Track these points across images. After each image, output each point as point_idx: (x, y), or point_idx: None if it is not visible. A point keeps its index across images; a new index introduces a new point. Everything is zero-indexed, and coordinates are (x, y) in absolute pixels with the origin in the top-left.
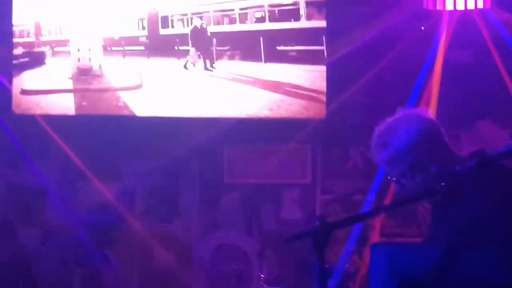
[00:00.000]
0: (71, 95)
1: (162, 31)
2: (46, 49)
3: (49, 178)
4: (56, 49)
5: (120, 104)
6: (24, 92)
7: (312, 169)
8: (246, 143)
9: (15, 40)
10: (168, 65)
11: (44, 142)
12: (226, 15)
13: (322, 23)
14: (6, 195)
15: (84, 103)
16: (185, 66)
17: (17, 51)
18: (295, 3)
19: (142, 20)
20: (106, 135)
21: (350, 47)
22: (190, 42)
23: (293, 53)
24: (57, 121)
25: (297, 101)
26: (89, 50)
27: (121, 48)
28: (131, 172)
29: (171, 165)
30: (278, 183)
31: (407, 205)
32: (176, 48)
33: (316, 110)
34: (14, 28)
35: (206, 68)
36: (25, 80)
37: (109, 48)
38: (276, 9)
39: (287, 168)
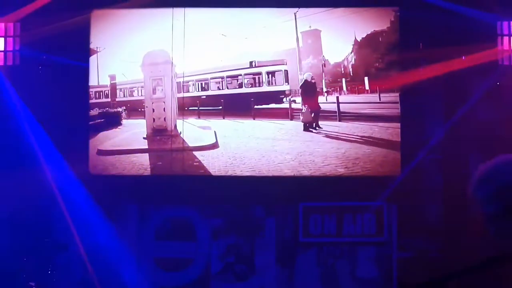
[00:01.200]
0: (146, 155)
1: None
2: (121, 109)
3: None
4: (131, 110)
5: (195, 163)
6: (100, 152)
7: (387, 226)
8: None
9: (91, 101)
10: (243, 125)
11: (120, 202)
12: None
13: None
14: None
15: (160, 163)
16: (306, 129)
17: (93, 112)
18: None
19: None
20: (181, 194)
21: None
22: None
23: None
24: (133, 180)
25: (372, 158)
26: (164, 110)
27: (196, 108)
28: (207, 232)
29: (247, 224)
30: (354, 241)
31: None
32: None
33: (391, 167)
34: (91, 90)
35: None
36: (101, 140)
37: (185, 108)
38: None
39: (363, 225)
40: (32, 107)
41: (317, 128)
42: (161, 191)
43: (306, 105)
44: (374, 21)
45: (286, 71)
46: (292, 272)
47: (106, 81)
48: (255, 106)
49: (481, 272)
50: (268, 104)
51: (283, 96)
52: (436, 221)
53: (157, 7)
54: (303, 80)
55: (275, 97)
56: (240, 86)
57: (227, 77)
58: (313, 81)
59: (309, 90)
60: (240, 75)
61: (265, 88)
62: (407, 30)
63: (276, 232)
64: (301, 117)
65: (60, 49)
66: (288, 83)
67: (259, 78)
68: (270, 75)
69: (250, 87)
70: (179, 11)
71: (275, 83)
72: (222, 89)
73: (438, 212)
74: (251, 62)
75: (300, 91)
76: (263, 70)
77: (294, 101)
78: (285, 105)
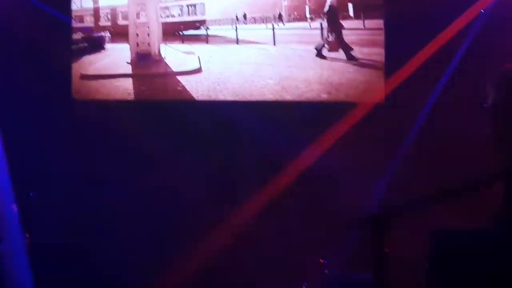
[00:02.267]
0: (130, 80)
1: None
2: (104, 34)
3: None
4: (115, 34)
5: (179, 88)
6: (83, 77)
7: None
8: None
9: (74, 25)
10: (227, 50)
11: (103, 128)
12: None
13: None
14: None
15: (143, 88)
16: (319, 54)
17: (76, 36)
18: None
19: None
20: (165, 121)
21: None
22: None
23: None
24: (117, 106)
25: (355, 84)
26: (148, 35)
27: (180, 33)
28: (189, 159)
29: (230, 151)
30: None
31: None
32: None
33: (375, 94)
34: (73, 14)
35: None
36: (84, 65)
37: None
38: None
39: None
40: (12, 31)
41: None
42: (145, 117)
43: (333, 33)
44: None
45: (203, 4)
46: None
47: (89, 4)
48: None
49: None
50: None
51: (199, 24)
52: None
53: None
54: (328, 6)
55: (193, 25)
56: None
57: (173, 6)
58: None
59: (334, 16)
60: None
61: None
62: None
63: (257, 159)
64: (326, 46)
65: None
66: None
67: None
68: (191, 7)
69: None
70: None
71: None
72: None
73: None
74: None
75: (326, 17)
76: (184, 3)
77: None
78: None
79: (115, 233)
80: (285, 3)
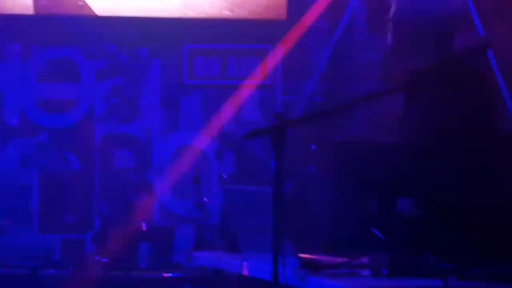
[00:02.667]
0: None
1: None
2: None
3: (6, 78)
4: None
5: (80, 3)
6: None
7: (273, 70)
8: (206, 43)
9: None
10: None
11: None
12: None
13: None
14: None
15: (43, 2)
16: None
17: None
18: None
19: None
20: (65, 35)
21: None
22: None
23: None
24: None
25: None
26: None
27: None
28: (91, 73)
29: (132, 66)
30: (239, 84)
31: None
32: None
33: (277, 11)
34: None
35: None
36: None
37: None
38: None
39: (248, 69)
40: None
41: None
42: (45, 31)
43: None
44: None
45: None
46: (177, 114)
47: None
48: None
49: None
50: None
51: None
52: (322, 65)
53: None
54: None
55: None
56: None
57: None
58: None
59: None
60: None
61: None
62: None
63: (161, 74)
64: None
65: None
66: None
67: None
68: None
69: None
70: None
71: None
72: None
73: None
74: None
75: None
76: None
77: None
78: None
79: None
80: None
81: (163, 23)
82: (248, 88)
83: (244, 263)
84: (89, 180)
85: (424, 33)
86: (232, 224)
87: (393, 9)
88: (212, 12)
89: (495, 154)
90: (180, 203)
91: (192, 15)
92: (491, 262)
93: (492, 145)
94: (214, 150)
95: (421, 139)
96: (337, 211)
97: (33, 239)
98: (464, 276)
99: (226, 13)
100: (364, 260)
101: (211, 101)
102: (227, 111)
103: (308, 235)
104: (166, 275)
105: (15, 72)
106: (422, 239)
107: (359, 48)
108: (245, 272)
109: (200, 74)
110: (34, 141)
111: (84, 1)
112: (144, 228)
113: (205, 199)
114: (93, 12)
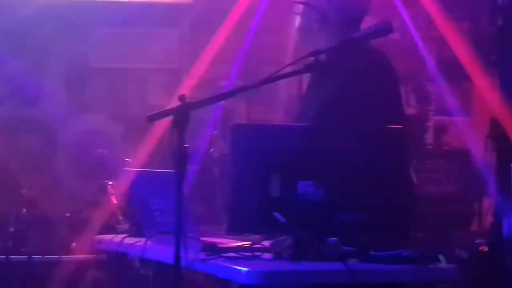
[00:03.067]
0: None
1: None
2: None
3: None
4: None
5: None
6: None
7: (179, 54)
8: (111, 26)
9: None
10: None
11: None
12: None
13: None
14: None
15: None
16: None
17: None
18: None
19: None
20: None
21: None
22: None
23: None
24: None
25: None
26: None
27: None
28: None
29: (35, 48)
30: (145, 67)
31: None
32: None
33: None
34: None
35: None
36: None
37: None
38: None
39: (154, 53)
40: None
41: None
42: None
43: None
44: None
45: None
46: (82, 97)
47: None
48: None
49: None
50: None
51: None
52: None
53: None
54: None
55: None
56: None
57: None
58: None
59: None
60: None
61: None
62: None
63: (65, 57)
64: None
65: None
66: None
67: None
68: None
69: None
70: None
71: None
72: None
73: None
74: None
75: None
76: None
77: None
78: None
79: None
80: None
81: (68, 5)
82: (154, 72)
83: (147, 247)
84: None
85: (330, 15)
86: (136, 207)
87: None
88: None
89: (386, 141)
90: (85, 187)
91: None
92: (391, 244)
93: (383, 133)
94: (120, 134)
95: (320, 120)
96: (239, 195)
97: None
98: (366, 259)
99: None
100: (267, 243)
101: (116, 84)
102: (133, 94)
103: (212, 218)
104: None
105: None
106: (324, 223)
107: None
108: (148, 255)
109: (106, 57)
110: None
111: None
112: None
113: (109, 182)
114: None
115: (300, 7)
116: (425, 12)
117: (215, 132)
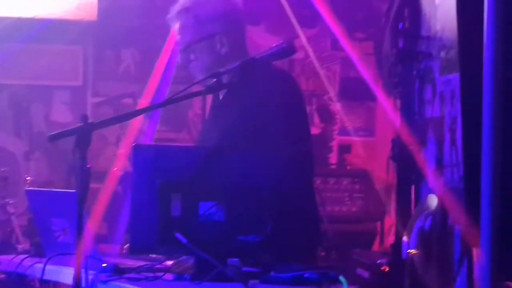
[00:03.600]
0: None
1: None
2: None
3: None
4: None
5: None
6: None
7: (83, 71)
8: (16, 42)
9: None
10: None
11: None
12: None
13: None
14: None
15: None
16: None
17: None
18: None
19: None
20: None
21: None
22: None
23: None
24: None
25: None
26: None
27: None
28: None
29: None
30: (49, 84)
31: (176, 102)
32: None
33: (88, 11)
34: None
35: None
36: None
37: None
38: None
39: (58, 70)
40: None
41: None
42: None
43: None
44: None
45: None
46: None
47: None
48: None
49: None
50: None
51: None
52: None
53: None
54: None
55: None
56: None
57: None
58: None
59: None
60: None
61: None
62: None
63: None
64: None
65: None
66: None
67: None
68: None
69: None
70: None
71: None
72: None
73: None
74: None
75: None
76: None
77: None
78: None
79: None
80: None
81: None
82: (58, 89)
83: (47, 268)
84: None
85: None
86: (37, 227)
87: None
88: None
89: (291, 161)
90: None
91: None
92: (293, 266)
93: (289, 153)
94: (23, 151)
95: (224, 140)
96: (140, 215)
97: None
98: (267, 280)
99: (38, 13)
100: (168, 264)
101: (20, 101)
102: (37, 111)
103: (114, 238)
104: None
105: None
106: (226, 243)
107: None
108: (48, 276)
109: (9, 72)
110: None
111: None
112: None
113: (9, 201)
114: None
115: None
116: (329, 32)
117: (119, 151)
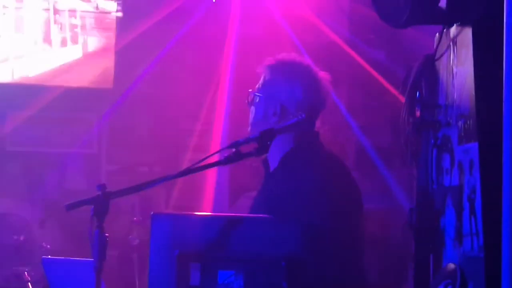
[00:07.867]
0: None
1: None
2: None
3: None
4: None
5: None
6: None
7: (98, 139)
8: (29, 110)
9: None
10: None
11: None
12: None
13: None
14: None
15: None
16: None
17: None
18: None
19: None
20: None
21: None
22: None
23: None
24: None
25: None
26: None
27: None
28: None
29: None
30: (63, 152)
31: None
32: None
33: (104, 79)
34: None
35: None
36: None
37: None
38: None
39: (73, 137)
40: None
41: None
42: None
43: None
44: None
45: None
46: None
47: None
48: None
49: None
50: None
51: None
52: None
53: None
54: None
55: None
56: None
57: None
58: None
59: None
60: None
61: None
62: None
63: None
64: None
65: None
66: None
67: None
68: None
69: None
70: None
71: None
72: None
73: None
74: None
75: None
76: None
77: None
78: None
79: None
80: None
81: None
82: (72, 156)
83: None
84: None
85: (290, 108)
86: None
87: None
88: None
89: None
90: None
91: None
92: None
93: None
94: (37, 219)
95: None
96: (158, 284)
97: None
98: None
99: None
100: None
101: (34, 168)
102: (51, 179)
103: None
104: None
105: None
106: None
107: None
108: None
109: (23, 140)
110: None
111: None
112: None
113: (25, 269)
114: None
115: (257, 98)
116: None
117: (134, 219)
